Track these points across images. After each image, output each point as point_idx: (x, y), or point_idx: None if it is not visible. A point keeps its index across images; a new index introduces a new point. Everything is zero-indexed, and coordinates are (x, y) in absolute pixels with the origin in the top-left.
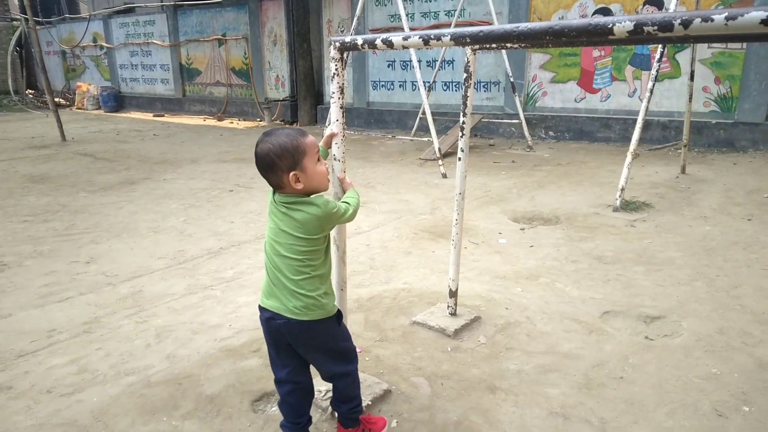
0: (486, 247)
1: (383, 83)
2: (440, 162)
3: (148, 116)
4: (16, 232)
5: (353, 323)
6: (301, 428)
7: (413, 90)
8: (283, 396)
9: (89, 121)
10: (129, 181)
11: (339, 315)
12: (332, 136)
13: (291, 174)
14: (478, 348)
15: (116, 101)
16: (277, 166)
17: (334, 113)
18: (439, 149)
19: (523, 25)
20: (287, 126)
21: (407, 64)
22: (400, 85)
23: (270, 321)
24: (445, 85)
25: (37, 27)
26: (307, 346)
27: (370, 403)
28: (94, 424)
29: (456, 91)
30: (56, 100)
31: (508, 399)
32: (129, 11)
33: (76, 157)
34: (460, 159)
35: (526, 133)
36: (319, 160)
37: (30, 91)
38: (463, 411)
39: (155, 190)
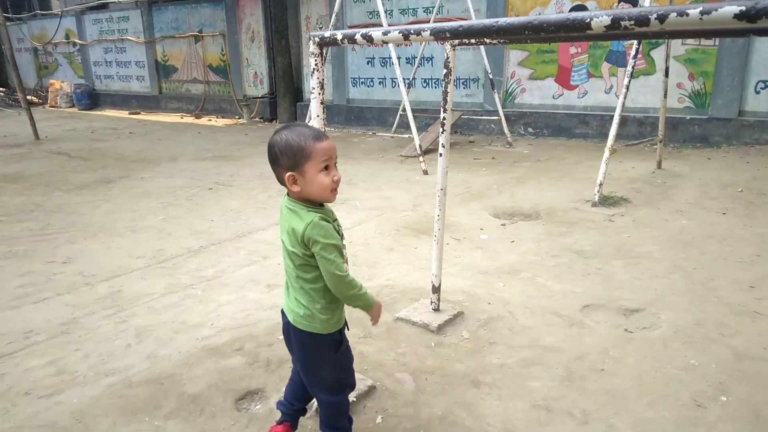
0: (468, 243)
1: (363, 80)
2: (421, 159)
3: (124, 114)
4: None
5: None
6: (292, 411)
7: (393, 87)
8: (291, 375)
9: (63, 119)
10: (105, 180)
11: (337, 340)
12: None
13: (288, 174)
14: (461, 343)
15: (90, 99)
16: (278, 161)
17: (315, 109)
18: (420, 146)
19: (503, 20)
20: (299, 124)
21: (387, 61)
22: (380, 82)
23: (283, 314)
24: (425, 81)
25: (8, 23)
26: (297, 354)
27: (355, 399)
28: (75, 426)
29: (436, 87)
30: (28, 98)
31: (491, 393)
32: (102, 7)
33: (50, 155)
34: (441, 155)
35: (506, 130)
36: (327, 168)
37: (1, 89)
38: (448, 406)
39: (132, 188)
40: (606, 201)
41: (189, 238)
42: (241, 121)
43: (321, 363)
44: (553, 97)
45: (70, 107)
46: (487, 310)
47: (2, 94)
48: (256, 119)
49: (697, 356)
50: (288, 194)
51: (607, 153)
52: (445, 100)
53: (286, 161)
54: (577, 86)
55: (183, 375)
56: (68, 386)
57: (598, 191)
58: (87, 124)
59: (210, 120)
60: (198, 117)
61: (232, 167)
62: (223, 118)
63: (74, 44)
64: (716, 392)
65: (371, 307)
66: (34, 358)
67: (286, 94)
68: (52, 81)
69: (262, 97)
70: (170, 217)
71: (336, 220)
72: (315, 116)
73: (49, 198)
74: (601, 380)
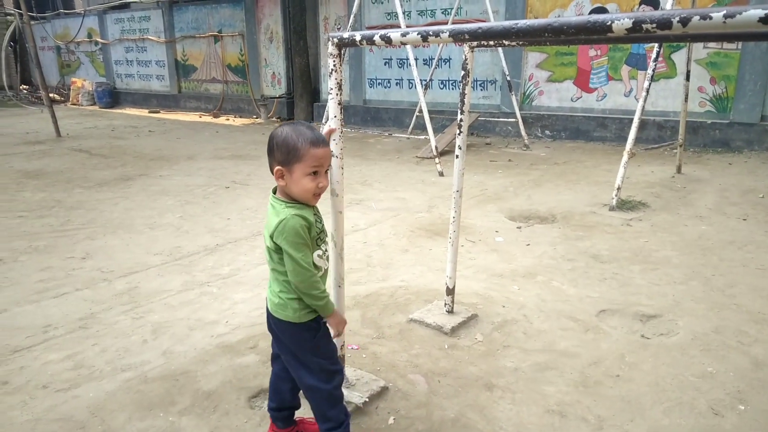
0: (483, 246)
1: (380, 81)
2: (437, 160)
3: (144, 112)
4: (11, 227)
5: (350, 320)
6: (280, 416)
7: (410, 88)
8: (271, 376)
9: (84, 117)
10: (124, 178)
11: (313, 328)
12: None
13: (277, 168)
14: (475, 346)
15: (111, 97)
16: (273, 153)
17: (333, 109)
18: (436, 147)
19: (522, 22)
20: (304, 124)
21: (404, 62)
22: (396, 83)
23: (267, 302)
24: (442, 83)
25: (32, 22)
26: (280, 344)
27: (367, 399)
28: (91, 420)
29: (453, 89)
30: (51, 95)
31: (505, 396)
32: (124, 7)
33: (71, 153)
34: (457, 156)
35: (523, 132)
36: (316, 174)
37: (24, 86)
38: (461, 408)
39: (151, 186)
40: (624, 205)
41: (206, 235)
42: (258, 120)
43: (301, 349)
44: (572, 100)
45: (92, 105)
46: (502, 313)
47: (25, 91)
48: (274, 119)
49: (715, 364)
50: (274, 190)
51: (625, 156)
52: (462, 101)
53: (279, 155)
54: (596, 89)
55: (198, 372)
56: (85, 380)
57: (616, 195)
58: (107, 122)
59: (228, 119)
60: (216, 116)
61: (249, 166)
62: (240, 117)
63: (96, 43)
64: (734, 401)
65: (327, 313)
66: (52, 352)
67: (303, 94)
68: (74, 79)
69: (279, 97)
70: (188, 215)
71: (317, 217)
72: (332, 116)
73: (69, 194)
74: (617, 386)
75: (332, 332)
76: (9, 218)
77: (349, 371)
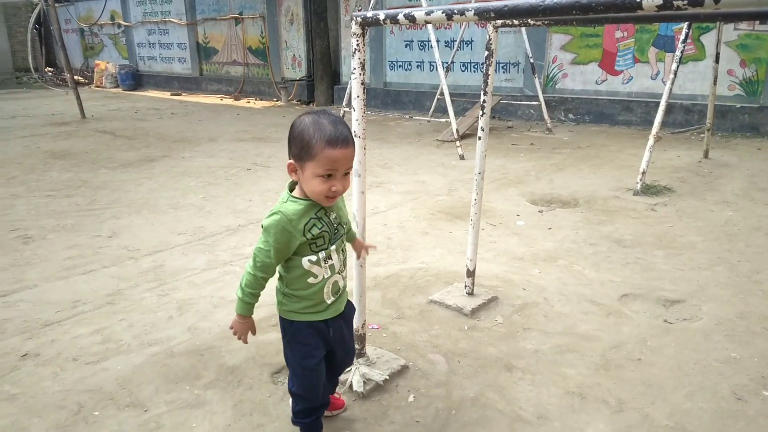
0: (504, 229)
1: (401, 63)
2: (458, 143)
3: (166, 95)
4: (39, 206)
5: (371, 301)
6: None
7: (431, 70)
8: None
9: (108, 99)
10: (148, 159)
11: (286, 326)
12: (363, 248)
13: (290, 161)
14: (495, 327)
15: (134, 79)
16: (290, 143)
17: (356, 89)
18: (457, 130)
19: (549, 0)
20: (329, 118)
21: (425, 44)
22: (417, 66)
23: None
24: (464, 65)
25: (56, 5)
26: None
27: (387, 377)
28: (119, 392)
29: (474, 72)
30: (75, 78)
31: (524, 378)
32: None
33: (95, 134)
34: (480, 138)
35: (546, 116)
36: (331, 177)
37: (49, 68)
38: (480, 388)
39: (174, 167)
40: (648, 190)
41: (228, 216)
42: (278, 103)
43: (283, 339)
44: (596, 83)
45: (115, 87)
46: (522, 296)
47: (50, 73)
48: (294, 102)
49: (739, 349)
50: (291, 186)
51: (651, 140)
52: (485, 82)
53: (293, 148)
54: (621, 71)
55: (222, 347)
56: (113, 354)
57: (640, 180)
58: (131, 104)
59: (248, 102)
60: (237, 99)
61: (270, 149)
62: (261, 100)
63: (119, 26)
64: (758, 386)
65: (236, 312)
66: (81, 326)
67: (323, 77)
68: (97, 62)
69: (299, 80)
70: (210, 196)
71: (324, 221)
72: (355, 96)
73: (95, 175)
74: (638, 370)
75: (233, 331)
76: (37, 197)
77: (369, 350)
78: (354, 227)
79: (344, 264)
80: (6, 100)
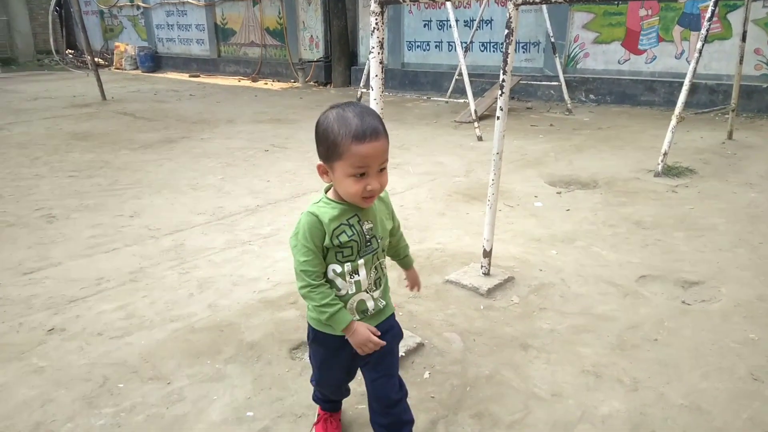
0: (521, 210)
1: (419, 44)
2: (476, 124)
3: (184, 76)
4: (63, 186)
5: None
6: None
7: (449, 51)
8: None
9: (128, 81)
10: (168, 140)
11: (310, 333)
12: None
13: (319, 163)
14: (511, 307)
15: (153, 61)
16: (317, 144)
17: (374, 68)
18: (475, 111)
19: None
20: (355, 109)
21: (444, 24)
22: (436, 46)
23: None
24: (483, 45)
25: None
26: None
27: (404, 354)
28: (143, 365)
29: (494, 52)
30: (95, 60)
31: (540, 356)
32: None
33: (116, 115)
34: (498, 118)
35: (566, 96)
36: (364, 176)
37: (70, 51)
38: (495, 366)
39: (193, 148)
40: (670, 171)
41: (247, 197)
42: (296, 84)
43: (307, 340)
44: (619, 62)
45: (134, 69)
46: (539, 277)
47: (71, 55)
48: (311, 83)
49: (758, 331)
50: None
51: (674, 121)
52: (505, 61)
53: (320, 148)
54: (645, 51)
55: (241, 324)
56: (137, 329)
57: (662, 161)
58: (150, 86)
59: (266, 83)
60: (254, 80)
61: (287, 130)
62: (278, 81)
63: (138, 7)
64: None
65: (339, 330)
66: (105, 303)
67: (341, 57)
68: (117, 43)
69: (317, 61)
70: (229, 177)
71: (356, 228)
72: (374, 76)
73: (116, 156)
74: (654, 350)
75: (359, 350)
76: (60, 177)
77: None
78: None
79: (377, 284)
80: (28, 82)
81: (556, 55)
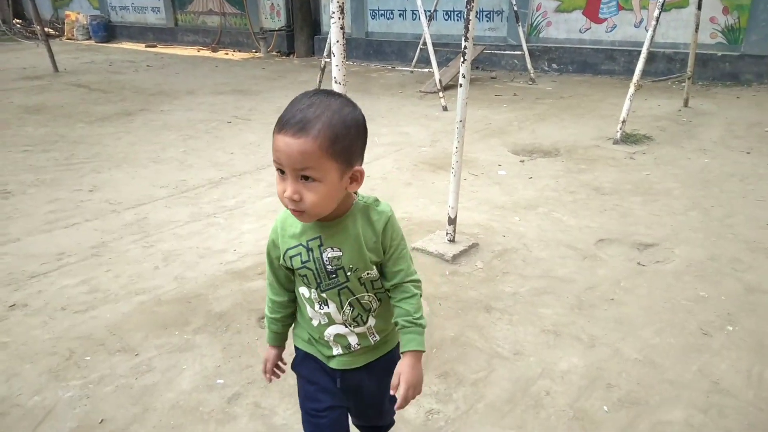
0: (485, 179)
1: (382, 12)
2: (441, 94)
3: (141, 47)
4: (17, 161)
5: None
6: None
7: (414, 19)
8: None
9: (80, 52)
10: (126, 113)
11: (295, 356)
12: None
13: (357, 168)
14: (475, 272)
15: (106, 31)
16: (350, 147)
17: (335, 34)
18: (440, 81)
19: None
20: (310, 99)
21: None
22: (399, 14)
23: None
24: (447, 14)
25: None
26: None
27: None
28: (110, 338)
29: (458, 20)
30: (45, 30)
31: (503, 318)
32: None
33: (69, 88)
34: (461, 86)
35: (529, 66)
36: (282, 174)
37: (17, 20)
38: (460, 328)
39: (153, 121)
40: (628, 139)
41: (210, 169)
42: (258, 55)
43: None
44: (580, 31)
45: (87, 40)
46: (502, 243)
47: (19, 25)
48: (273, 53)
49: (708, 289)
50: None
51: (632, 89)
52: (467, 28)
53: (358, 148)
54: (605, 19)
55: (209, 295)
56: (101, 303)
57: (620, 129)
58: (104, 56)
59: (227, 54)
60: (214, 50)
61: (250, 101)
62: (239, 51)
63: None
64: (723, 322)
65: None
66: (67, 278)
67: (303, 27)
68: (67, 12)
69: (279, 30)
70: (191, 150)
71: (319, 247)
72: (335, 42)
73: (71, 129)
74: (611, 309)
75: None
76: (14, 152)
77: None
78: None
79: (360, 321)
80: None
81: (519, 24)
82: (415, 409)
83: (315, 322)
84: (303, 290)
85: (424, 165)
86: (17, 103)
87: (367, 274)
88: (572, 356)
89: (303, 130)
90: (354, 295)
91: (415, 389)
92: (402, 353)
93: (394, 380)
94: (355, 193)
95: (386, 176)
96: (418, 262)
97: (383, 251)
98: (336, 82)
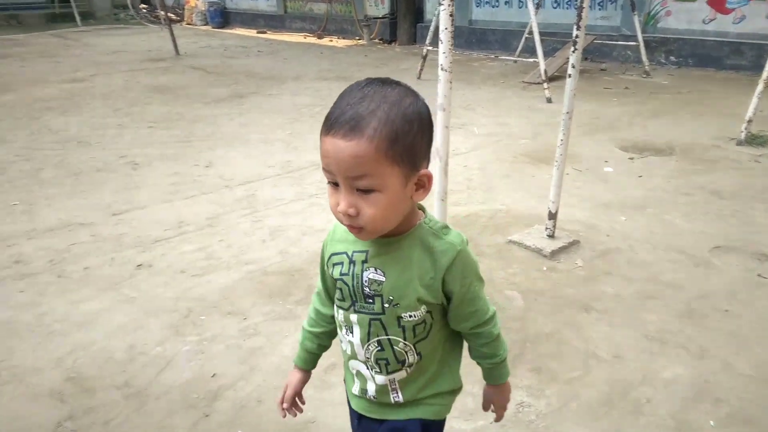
0: (590, 175)
1: (488, 0)
2: (545, 86)
3: (252, 32)
4: (144, 136)
5: None
6: None
7: (520, 7)
8: None
9: (198, 37)
10: (238, 95)
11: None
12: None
13: (423, 171)
14: (574, 270)
15: (222, 17)
16: (414, 146)
17: (444, 21)
18: (545, 72)
19: None
20: (361, 91)
21: None
22: (505, 2)
23: None
24: (555, 2)
25: None
26: None
27: None
28: (222, 301)
29: (567, 8)
30: (168, 15)
31: (602, 319)
32: None
33: (188, 70)
34: (570, 76)
35: (644, 58)
36: (336, 186)
37: (143, 5)
38: (556, 325)
39: (262, 104)
40: (754, 140)
41: (313, 152)
42: (361, 42)
43: None
44: (703, 22)
45: (204, 25)
46: (605, 242)
47: (145, 10)
48: (376, 40)
49: None
50: None
51: (761, 86)
52: (579, 16)
53: (424, 146)
54: (733, 9)
55: (310, 270)
56: (215, 269)
57: (745, 129)
58: (220, 41)
59: (331, 40)
60: (320, 37)
61: None
62: (343, 38)
63: None
64: None
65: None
66: (186, 244)
67: (406, 14)
68: None
69: (382, 18)
70: (296, 133)
71: (364, 261)
72: (443, 29)
73: (190, 109)
74: (724, 321)
75: None
76: (141, 128)
77: None
78: (436, 162)
79: (379, 366)
80: (106, 36)
81: (635, 12)
82: None
83: (344, 348)
84: (336, 311)
85: (524, 157)
86: (143, 83)
87: (410, 316)
88: (677, 366)
89: (355, 130)
90: (386, 335)
91: (506, 408)
92: (489, 382)
93: (484, 404)
94: (423, 210)
95: (484, 167)
96: (515, 255)
97: (446, 295)
98: (442, 68)
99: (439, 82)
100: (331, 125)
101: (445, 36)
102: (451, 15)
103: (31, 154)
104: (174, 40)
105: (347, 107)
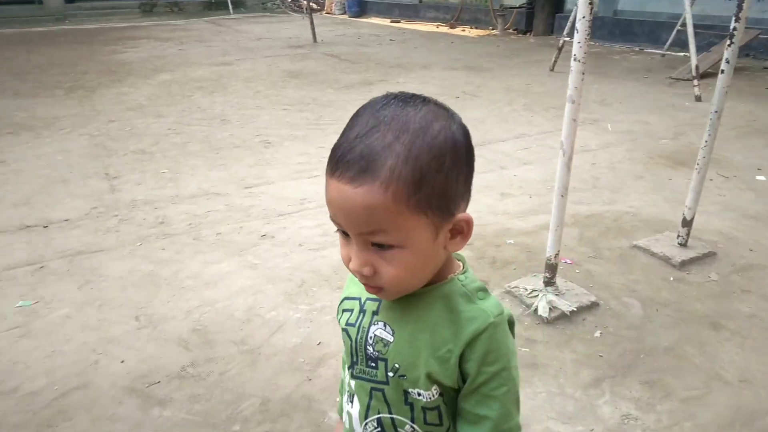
0: (737, 182)
1: None
2: (695, 82)
3: (386, 22)
4: (279, 117)
5: (567, 236)
6: None
7: None
8: None
9: (335, 25)
10: (367, 82)
11: None
12: None
13: (460, 216)
14: (706, 283)
15: (359, 6)
16: (446, 187)
17: (582, 8)
18: (697, 67)
19: None
20: (374, 116)
21: None
22: None
23: None
24: None
25: None
26: None
27: (575, 309)
28: (333, 276)
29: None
30: (310, 4)
31: (733, 339)
32: None
33: (324, 57)
34: (722, 71)
35: None
36: (345, 237)
37: None
38: (677, 340)
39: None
40: None
41: None
42: (494, 32)
43: None
44: None
45: (342, 14)
46: (747, 257)
47: (289, 0)
48: (510, 31)
49: None
50: None
51: None
52: (739, 6)
53: (460, 185)
54: None
55: None
56: (330, 246)
57: None
58: (355, 30)
59: (463, 30)
60: (452, 27)
61: (480, 78)
62: (476, 28)
63: None
64: None
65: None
66: (306, 220)
67: (545, 4)
68: None
69: (519, 7)
70: None
71: (374, 313)
72: (581, 17)
73: (322, 94)
74: None
75: None
76: (277, 110)
77: (559, 281)
78: (560, 155)
79: None
80: (254, 23)
81: None
82: (611, 409)
83: (344, 417)
84: (343, 364)
85: (662, 158)
86: (282, 68)
87: (419, 394)
88: None
89: (366, 172)
90: (389, 413)
91: None
92: None
93: None
94: (462, 262)
95: (614, 166)
96: (638, 261)
97: (462, 375)
98: (575, 59)
99: (571, 72)
100: (336, 164)
101: (581, 25)
102: (590, 3)
103: (182, 128)
104: (313, 29)
105: (356, 140)
